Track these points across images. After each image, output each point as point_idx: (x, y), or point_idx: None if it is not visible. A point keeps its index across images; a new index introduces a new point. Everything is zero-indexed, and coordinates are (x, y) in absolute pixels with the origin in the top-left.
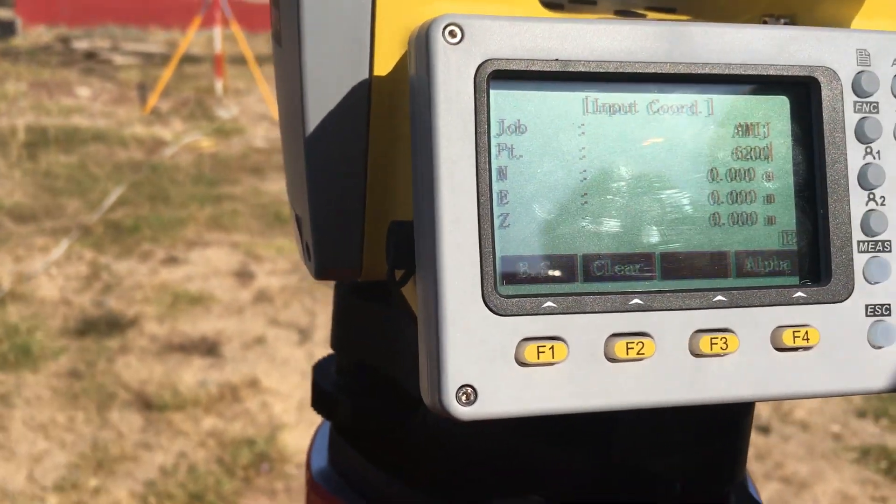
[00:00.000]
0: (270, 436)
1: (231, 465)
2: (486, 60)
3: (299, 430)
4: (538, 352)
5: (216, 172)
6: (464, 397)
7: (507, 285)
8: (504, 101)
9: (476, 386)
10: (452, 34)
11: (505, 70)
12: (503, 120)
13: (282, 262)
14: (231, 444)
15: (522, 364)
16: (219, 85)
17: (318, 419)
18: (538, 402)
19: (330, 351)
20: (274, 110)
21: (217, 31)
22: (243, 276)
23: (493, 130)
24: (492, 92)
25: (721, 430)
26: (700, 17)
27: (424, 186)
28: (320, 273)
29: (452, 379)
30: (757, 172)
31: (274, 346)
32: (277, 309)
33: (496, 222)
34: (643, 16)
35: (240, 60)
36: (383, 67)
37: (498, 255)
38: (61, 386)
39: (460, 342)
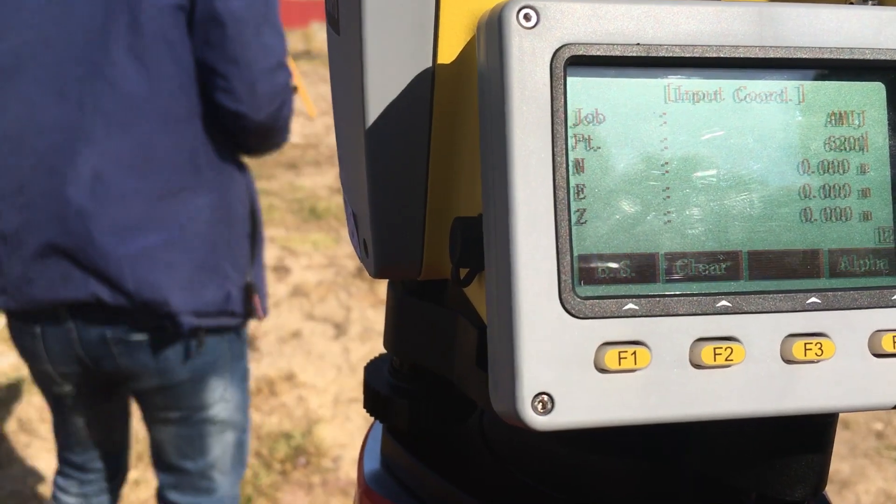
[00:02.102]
0: (307, 430)
1: (268, 459)
2: (563, 46)
3: (335, 424)
4: (619, 357)
5: (252, 167)
6: (540, 406)
7: (586, 286)
8: (581, 88)
9: (553, 394)
10: (527, 18)
11: (583, 56)
12: (580, 109)
13: (318, 256)
14: (268, 438)
15: (602, 371)
16: None
17: (353, 413)
18: (619, 411)
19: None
20: (309, 106)
21: None
22: (279, 270)
23: (570, 120)
24: (569, 79)
25: (803, 438)
26: None
27: (497, 181)
28: (379, 271)
29: (528, 386)
30: (851, 164)
31: (310, 340)
32: (313, 303)
33: (573, 218)
34: None
35: None
36: (448, 55)
37: (575, 253)
38: None
39: (536, 346)
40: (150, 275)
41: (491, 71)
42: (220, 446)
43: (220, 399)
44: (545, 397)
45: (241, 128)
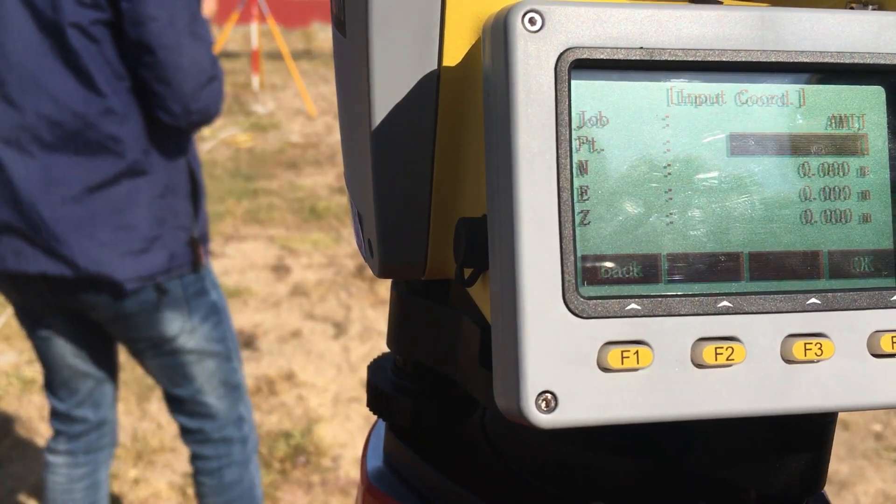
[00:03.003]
0: (306, 429)
1: (268, 458)
2: (568, 49)
3: (335, 423)
4: (622, 357)
5: (253, 167)
6: (543, 404)
7: (589, 286)
8: (585, 91)
9: (556, 392)
10: (532, 22)
11: (587, 59)
12: (584, 112)
13: (317, 256)
14: (268, 437)
15: (605, 370)
16: (255, 80)
17: (353, 412)
18: (621, 409)
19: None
20: (309, 105)
21: (254, 27)
22: (279, 269)
23: (574, 123)
24: (573, 82)
25: (802, 437)
26: (780, 4)
27: (501, 182)
28: (383, 271)
29: (532, 384)
30: (851, 167)
31: (310, 339)
32: (313, 303)
33: (576, 219)
34: (719, 2)
35: (276, 56)
36: (453, 58)
37: (579, 253)
38: None
39: (540, 346)
40: (97, 255)
41: (496, 74)
42: (202, 374)
43: (181, 330)
44: (549, 395)
45: (174, 128)
